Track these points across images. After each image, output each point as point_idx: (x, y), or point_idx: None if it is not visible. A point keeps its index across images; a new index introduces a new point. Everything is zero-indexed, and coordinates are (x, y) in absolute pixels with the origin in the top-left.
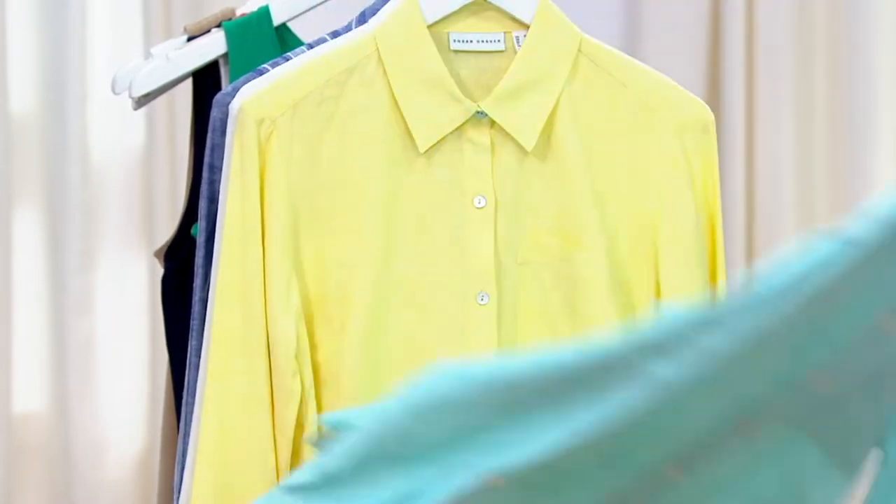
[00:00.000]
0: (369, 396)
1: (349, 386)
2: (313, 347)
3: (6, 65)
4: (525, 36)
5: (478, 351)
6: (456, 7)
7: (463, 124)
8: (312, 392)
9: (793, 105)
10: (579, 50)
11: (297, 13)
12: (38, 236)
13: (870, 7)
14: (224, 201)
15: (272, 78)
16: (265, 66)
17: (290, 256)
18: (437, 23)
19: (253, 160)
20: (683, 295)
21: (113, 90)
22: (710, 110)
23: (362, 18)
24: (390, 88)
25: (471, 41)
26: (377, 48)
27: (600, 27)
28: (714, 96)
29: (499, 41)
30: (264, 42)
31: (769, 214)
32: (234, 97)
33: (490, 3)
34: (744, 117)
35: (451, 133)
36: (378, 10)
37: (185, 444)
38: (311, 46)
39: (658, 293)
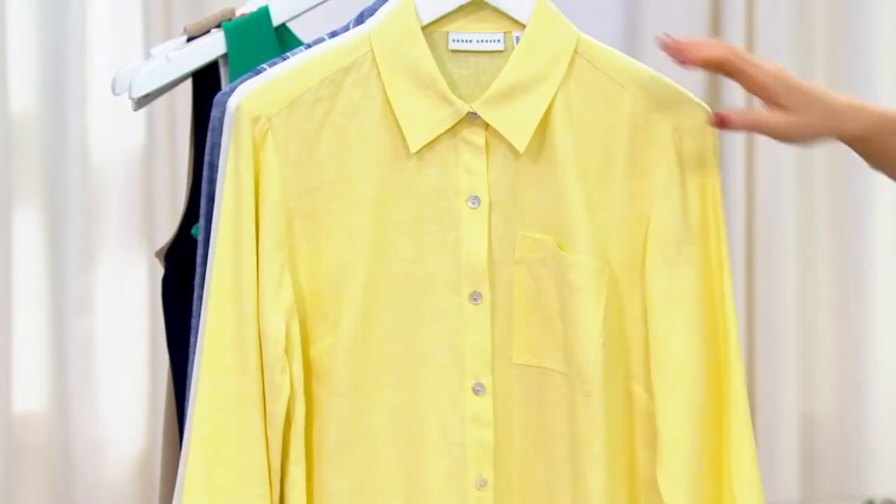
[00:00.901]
0: (363, 394)
1: (343, 383)
2: (308, 344)
3: (6, 65)
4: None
5: (472, 350)
6: (452, 7)
7: (457, 124)
8: (301, 388)
9: None
10: (576, 50)
11: (297, 13)
12: (38, 236)
13: (870, 7)
14: (219, 198)
15: (268, 77)
16: (263, 66)
17: (284, 254)
18: (434, 23)
19: (248, 158)
20: (668, 296)
21: (113, 91)
22: (710, 111)
23: (360, 19)
24: (384, 88)
25: (470, 41)
26: (372, 48)
27: (600, 27)
28: (714, 96)
29: (498, 41)
30: (264, 42)
31: (769, 214)
32: None
33: (488, 2)
34: None
35: (444, 133)
36: (376, 10)
37: None
38: (309, 47)
39: (644, 294)
